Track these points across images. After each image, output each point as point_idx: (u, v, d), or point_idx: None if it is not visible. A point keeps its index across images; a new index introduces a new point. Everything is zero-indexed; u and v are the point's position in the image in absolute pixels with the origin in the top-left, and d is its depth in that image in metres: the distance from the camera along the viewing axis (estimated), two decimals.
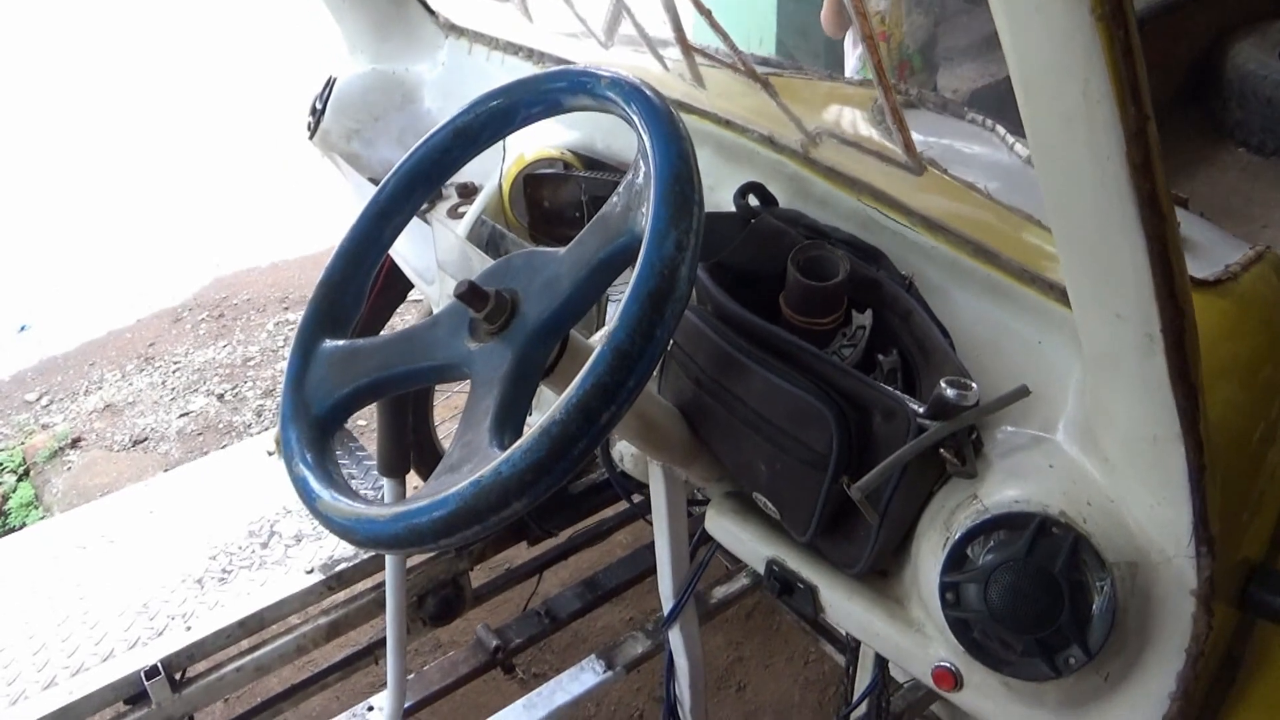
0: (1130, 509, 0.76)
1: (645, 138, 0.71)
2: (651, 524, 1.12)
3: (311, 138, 1.70)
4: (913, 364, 0.95)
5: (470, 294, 0.76)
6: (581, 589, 1.85)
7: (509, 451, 0.64)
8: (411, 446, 1.84)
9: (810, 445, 0.86)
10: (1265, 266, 1.12)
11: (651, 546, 1.98)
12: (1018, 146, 1.32)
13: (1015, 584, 0.74)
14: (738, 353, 0.90)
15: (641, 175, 0.72)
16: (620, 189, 0.74)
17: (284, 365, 0.88)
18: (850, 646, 1.58)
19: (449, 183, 1.71)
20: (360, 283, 0.91)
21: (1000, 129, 1.38)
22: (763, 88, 1.05)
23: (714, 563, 1.28)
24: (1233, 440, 0.86)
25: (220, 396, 3.29)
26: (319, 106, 1.68)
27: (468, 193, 1.66)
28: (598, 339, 1.17)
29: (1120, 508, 0.77)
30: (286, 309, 3.75)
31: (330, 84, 1.69)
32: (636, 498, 1.21)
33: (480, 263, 1.23)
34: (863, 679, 1.59)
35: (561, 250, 0.79)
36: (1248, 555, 0.87)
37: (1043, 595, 0.73)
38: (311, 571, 1.73)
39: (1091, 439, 0.80)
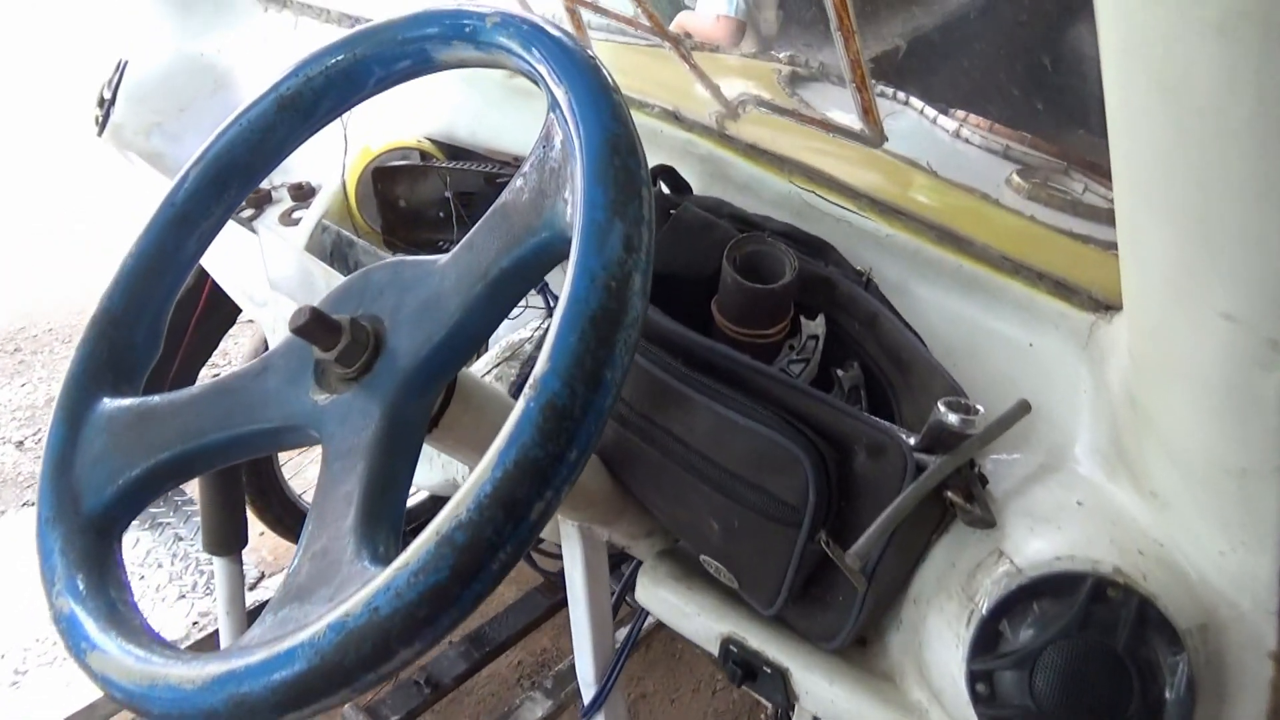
0: (1188, 554, 0.60)
1: (562, 94, 0.50)
2: (564, 589, 0.91)
3: (101, 134, 1.39)
4: (882, 380, 0.77)
5: (313, 325, 0.53)
6: (465, 646, 1.61)
7: (390, 574, 0.41)
8: (255, 502, 1.54)
9: (777, 496, 0.67)
10: None
11: (542, 589, 1.77)
12: (941, 120, 1.18)
13: (1070, 668, 0.57)
14: (675, 380, 0.70)
15: (557, 147, 0.51)
16: (526, 168, 0.53)
17: None
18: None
19: (278, 182, 1.44)
20: (154, 316, 0.65)
21: (916, 102, 1.23)
22: (674, 48, 0.85)
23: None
24: None
25: (19, 444, 2.83)
26: (108, 96, 1.37)
27: (303, 195, 1.39)
28: (488, 366, 0.94)
29: (1174, 553, 0.61)
30: None
31: (121, 68, 1.39)
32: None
33: (325, 279, 0.98)
34: None
35: (442, 258, 0.56)
36: None
37: (1105, 680, 0.57)
38: None
39: (1125, 467, 0.64)
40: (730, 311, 0.79)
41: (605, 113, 0.48)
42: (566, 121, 0.49)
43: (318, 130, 0.67)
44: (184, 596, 1.54)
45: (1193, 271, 0.47)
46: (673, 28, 1.73)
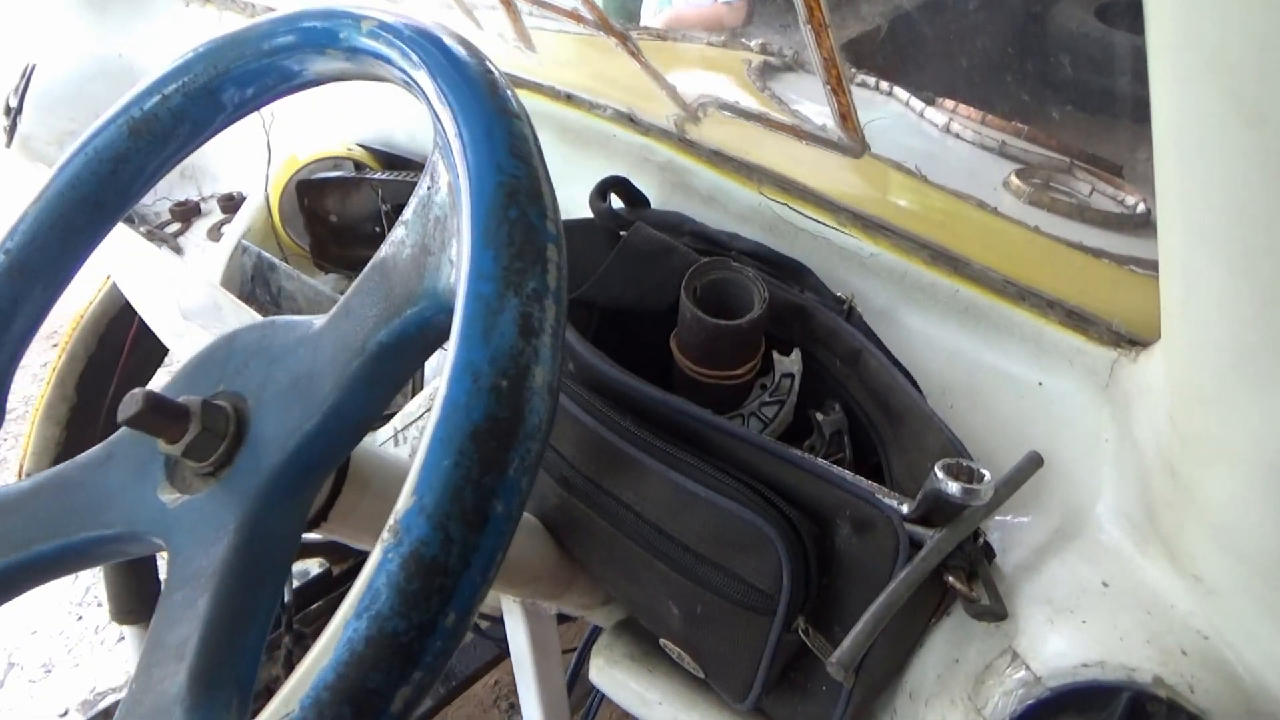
0: (1239, 651, 0.50)
1: (447, 118, 0.39)
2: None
3: (9, 145, 1.26)
4: (866, 425, 0.67)
5: (149, 415, 0.42)
6: None
7: None
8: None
9: (746, 580, 0.57)
10: None
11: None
12: (928, 113, 1.07)
13: None
14: (624, 442, 0.60)
15: (442, 189, 0.39)
16: (408, 214, 0.42)
17: None
18: None
19: (208, 193, 1.32)
20: None
21: (900, 92, 1.12)
22: (620, 45, 0.74)
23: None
24: None
25: None
26: (14, 104, 1.25)
27: (234, 206, 1.27)
28: (419, 410, 0.83)
29: (1221, 649, 0.51)
30: None
31: (29, 73, 1.26)
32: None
33: (236, 315, 0.87)
34: None
35: (320, 319, 0.45)
36: None
37: None
38: (67, 714, 1.31)
39: (1159, 539, 0.54)
40: (692, 350, 0.68)
41: (501, 146, 0.37)
42: (452, 156, 0.38)
43: (184, 156, 0.56)
44: (124, 639, 1.43)
45: (1268, 340, 0.36)
46: (665, 23, 1.59)
